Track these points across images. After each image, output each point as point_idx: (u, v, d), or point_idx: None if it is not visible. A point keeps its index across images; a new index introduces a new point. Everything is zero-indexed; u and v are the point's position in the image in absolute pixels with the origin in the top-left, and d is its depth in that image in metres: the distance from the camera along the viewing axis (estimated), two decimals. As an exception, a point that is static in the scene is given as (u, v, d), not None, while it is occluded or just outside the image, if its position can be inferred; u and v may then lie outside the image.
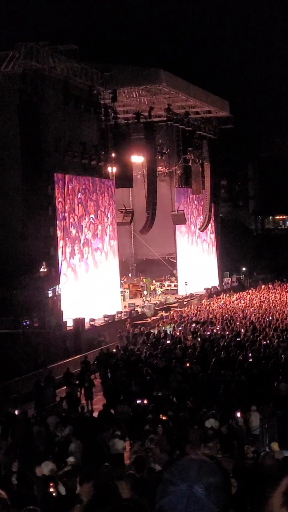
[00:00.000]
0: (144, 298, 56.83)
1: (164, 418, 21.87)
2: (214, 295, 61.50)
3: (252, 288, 66.97)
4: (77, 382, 31.28)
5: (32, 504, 10.31)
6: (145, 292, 59.00)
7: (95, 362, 34.91)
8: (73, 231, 47.58)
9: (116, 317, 47.35)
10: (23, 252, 42.17)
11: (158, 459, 18.88)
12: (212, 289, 64.78)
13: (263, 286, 67.26)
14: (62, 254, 44.85)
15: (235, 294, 61.78)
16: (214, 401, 24.91)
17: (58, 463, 17.90)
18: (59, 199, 45.31)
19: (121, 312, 49.41)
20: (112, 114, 52.27)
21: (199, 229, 68.83)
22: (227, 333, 39.83)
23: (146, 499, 10.82)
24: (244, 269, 79.35)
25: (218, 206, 72.06)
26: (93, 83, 49.11)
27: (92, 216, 50.40)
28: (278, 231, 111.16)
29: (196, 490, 2.33)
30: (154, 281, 63.29)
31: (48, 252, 43.67)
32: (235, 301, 56.50)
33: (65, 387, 30.88)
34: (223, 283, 70.34)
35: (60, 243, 44.82)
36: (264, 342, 35.39)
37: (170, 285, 63.45)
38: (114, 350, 37.20)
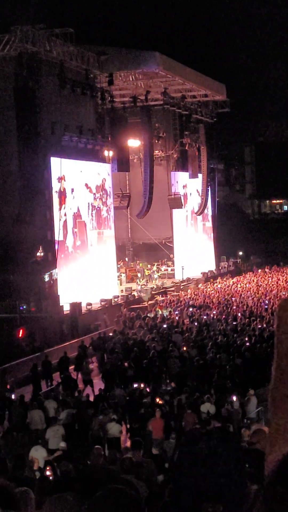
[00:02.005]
0: (138, 281, 56.89)
1: (160, 402, 21.95)
2: (211, 279, 61.55)
3: (249, 272, 67.03)
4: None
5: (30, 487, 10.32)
6: (139, 275, 59.04)
7: (90, 347, 34.97)
8: (70, 215, 47.53)
9: (112, 301, 47.38)
10: (19, 236, 42.10)
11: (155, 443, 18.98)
12: (208, 273, 64.81)
13: (259, 270, 67.30)
14: (63, 236, 44.81)
15: (231, 278, 61.86)
16: (210, 385, 24.98)
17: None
18: (56, 183, 45.23)
19: (118, 296, 49.44)
20: (109, 97, 52.13)
21: (196, 213, 68.77)
22: (223, 317, 39.89)
23: (142, 482, 10.87)
24: (240, 253, 79.36)
25: (214, 190, 71.91)
26: (89, 67, 48.93)
27: (89, 201, 50.33)
28: (274, 215, 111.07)
29: None
30: (150, 265, 63.29)
31: (44, 236, 43.62)
32: (231, 285, 56.54)
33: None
34: (220, 267, 70.35)
35: (57, 227, 44.78)
36: (260, 326, 35.46)
37: (167, 269, 63.45)
38: (111, 334, 37.25)
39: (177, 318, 40.73)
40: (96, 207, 51.55)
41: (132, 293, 51.22)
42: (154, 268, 62.93)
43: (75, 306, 42.13)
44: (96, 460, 12.80)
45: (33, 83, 42.45)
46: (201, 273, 63.59)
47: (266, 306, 42.54)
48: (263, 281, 58.07)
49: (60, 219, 45.35)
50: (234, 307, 43.18)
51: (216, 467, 2.39)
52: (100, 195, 52.33)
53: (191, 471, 2.41)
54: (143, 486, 10.83)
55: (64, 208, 46.42)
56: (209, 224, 72.81)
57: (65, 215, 46.46)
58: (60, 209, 45.51)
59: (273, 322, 36.18)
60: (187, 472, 2.41)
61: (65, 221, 46.51)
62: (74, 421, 22.12)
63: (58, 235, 44.69)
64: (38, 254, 42.86)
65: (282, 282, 56.38)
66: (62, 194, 46.13)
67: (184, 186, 66.48)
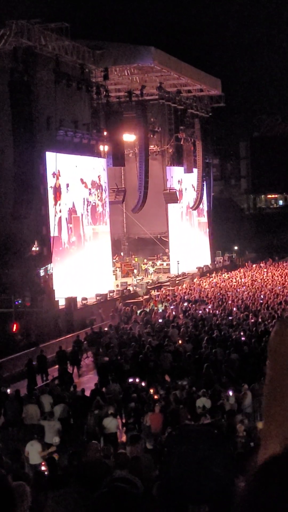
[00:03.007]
0: (133, 276, 56.93)
1: (156, 397, 21.98)
2: (207, 274, 61.59)
3: (245, 267, 67.07)
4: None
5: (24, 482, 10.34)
6: (135, 271, 59.07)
7: (85, 341, 35.01)
8: (65, 210, 47.50)
9: (108, 296, 47.39)
10: (15, 231, 42.11)
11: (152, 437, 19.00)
12: (204, 268, 64.84)
13: (254, 265, 67.33)
14: (58, 231, 44.79)
15: (226, 273, 61.91)
16: (206, 380, 25.00)
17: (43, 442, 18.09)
18: (51, 179, 45.21)
19: (113, 291, 49.45)
20: (104, 92, 52.09)
21: (191, 208, 68.77)
22: (217, 312, 39.91)
23: (138, 478, 10.87)
24: (236, 248, 79.42)
25: (210, 184, 71.90)
26: (84, 61, 48.88)
27: (84, 196, 50.30)
28: (270, 210, 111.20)
29: (202, 451, 2.36)
30: (146, 260, 63.33)
31: (40, 231, 43.60)
32: (227, 280, 56.59)
33: (57, 366, 30.96)
34: (215, 262, 70.39)
35: (52, 222, 44.76)
36: (252, 320, 35.50)
37: (163, 264, 63.46)
38: (106, 329, 37.26)
39: (173, 313, 40.75)
40: (92, 202, 51.52)
41: (128, 288, 51.23)
42: (150, 263, 62.93)
43: (71, 301, 42.13)
44: (93, 455, 12.82)
45: (28, 78, 42.39)
46: (197, 268, 63.63)
47: (261, 301, 42.57)
48: (258, 275, 58.11)
49: (55, 215, 45.30)
50: (230, 302, 43.20)
51: (202, 467, 2.39)
52: (96, 189, 52.29)
53: (177, 470, 2.41)
54: (138, 481, 10.83)
55: (59, 204, 46.38)
56: (205, 219, 72.79)
57: (60, 211, 46.41)
58: (55, 204, 45.47)
59: (268, 317, 36.30)
60: (173, 471, 2.42)
61: (60, 217, 46.46)
62: (69, 416, 22.14)
63: (53, 231, 44.66)
64: (33, 249, 42.86)
65: (277, 276, 56.41)
66: (57, 190, 46.11)
67: (179, 181, 66.45)
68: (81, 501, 3.42)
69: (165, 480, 2.46)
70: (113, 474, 9.83)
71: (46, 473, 13.11)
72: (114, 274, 55.85)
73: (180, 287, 52.90)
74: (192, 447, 2.42)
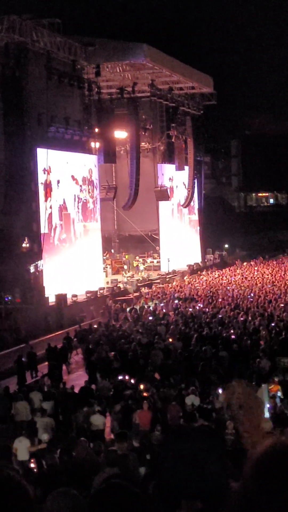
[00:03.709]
0: (124, 273, 56.93)
1: (145, 394, 21.96)
2: (197, 272, 61.61)
3: (235, 265, 67.13)
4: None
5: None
6: (125, 267, 59.05)
7: (75, 339, 34.98)
8: (56, 207, 47.42)
9: (98, 293, 47.35)
10: (5, 227, 42.00)
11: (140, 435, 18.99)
12: (194, 265, 64.89)
13: (244, 264, 67.40)
14: (48, 228, 44.72)
15: (217, 271, 61.95)
16: (195, 377, 25.02)
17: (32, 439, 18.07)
18: (42, 175, 45.12)
19: (104, 288, 49.41)
20: (96, 89, 52.02)
21: (182, 205, 68.78)
22: (207, 309, 39.91)
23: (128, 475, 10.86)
24: (226, 246, 79.47)
25: (201, 182, 71.92)
26: (76, 58, 48.77)
27: (75, 192, 50.23)
28: (260, 208, 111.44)
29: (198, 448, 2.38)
30: (138, 257, 63.29)
31: (30, 228, 43.51)
32: (217, 278, 56.61)
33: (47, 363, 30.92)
34: (206, 260, 70.44)
35: (42, 218, 44.67)
36: (242, 318, 35.52)
37: (153, 262, 63.44)
38: (95, 326, 37.23)
39: (163, 310, 40.75)
40: (83, 199, 51.45)
41: (118, 285, 51.21)
42: (140, 261, 62.91)
43: (61, 298, 42.08)
44: (82, 452, 12.79)
45: (20, 74, 42.26)
46: (187, 266, 63.65)
47: (251, 299, 42.61)
48: (249, 274, 58.16)
49: (45, 211, 45.21)
50: (220, 300, 43.21)
51: (197, 465, 2.40)
52: (87, 186, 52.21)
53: (173, 467, 2.42)
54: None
55: (50, 200, 46.28)
56: (195, 217, 72.82)
57: (50, 207, 46.31)
58: (45, 201, 45.37)
59: (258, 315, 36.33)
60: (169, 468, 2.42)
61: (50, 214, 46.35)
62: (58, 413, 22.12)
63: (43, 228, 44.58)
64: (23, 245, 42.76)
65: (267, 275, 56.47)
66: (48, 187, 46.00)
67: (171, 179, 66.45)
68: (80, 499, 3.39)
69: (160, 475, 2.47)
70: (103, 472, 9.82)
71: (35, 470, 13.08)
72: (104, 271, 55.81)
73: (170, 285, 52.92)
74: (187, 445, 2.42)
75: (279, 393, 21.70)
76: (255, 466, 1.96)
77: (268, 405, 20.83)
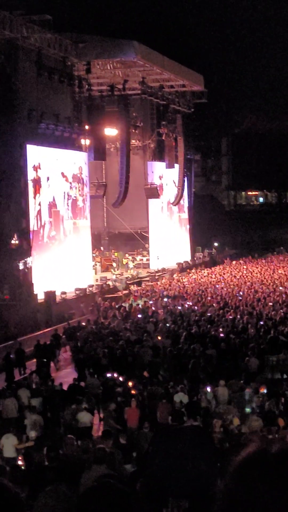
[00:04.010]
0: (112, 271, 56.91)
1: (133, 392, 21.97)
2: (187, 270, 61.66)
3: (224, 263, 67.23)
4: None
5: (2, 475, 10.30)
6: (114, 264, 59.03)
7: (63, 336, 34.97)
8: (45, 204, 47.33)
9: (87, 290, 47.32)
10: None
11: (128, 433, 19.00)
12: (184, 263, 64.92)
13: (234, 262, 67.50)
14: (37, 226, 44.64)
15: (206, 269, 62.01)
16: (184, 375, 25.05)
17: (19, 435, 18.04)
18: (33, 171, 45.02)
19: (93, 285, 49.38)
20: (86, 86, 51.93)
21: (172, 203, 68.79)
22: (196, 308, 39.96)
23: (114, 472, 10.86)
24: (216, 244, 79.55)
25: (191, 180, 71.94)
26: (67, 54, 48.66)
27: (65, 190, 50.15)
28: (250, 206, 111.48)
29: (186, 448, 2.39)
30: (127, 255, 63.28)
31: (20, 224, 43.41)
32: (206, 276, 56.68)
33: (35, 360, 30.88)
34: (195, 258, 70.49)
35: (32, 215, 44.59)
36: (231, 317, 35.58)
37: (142, 259, 63.45)
38: (83, 323, 37.22)
39: (152, 308, 40.77)
40: (72, 196, 51.37)
41: (107, 283, 51.19)
42: (130, 258, 62.89)
43: (50, 295, 42.03)
44: (69, 449, 12.78)
45: (10, 70, 42.16)
46: (176, 264, 63.70)
47: (240, 298, 42.68)
48: (238, 272, 58.25)
49: (34, 208, 45.08)
50: (209, 298, 43.28)
51: (185, 464, 2.40)
52: (77, 183, 52.12)
53: (161, 466, 2.42)
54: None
55: (39, 197, 46.14)
56: (185, 215, 72.84)
57: (39, 204, 46.16)
58: (34, 198, 45.22)
59: (246, 313, 36.39)
60: (158, 467, 2.42)
61: (39, 211, 46.18)
62: (46, 410, 22.09)
63: (32, 225, 44.49)
64: (12, 242, 42.66)
65: (256, 273, 56.59)
66: (37, 183, 45.87)
67: (161, 177, 66.43)
68: (70, 496, 3.39)
69: (148, 474, 2.47)
70: (90, 469, 9.80)
71: (22, 467, 13.04)
72: (94, 269, 55.76)
73: (159, 283, 52.95)
74: (177, 445, 2.42)
75: (265, 391, 21.80)
76: (238, 468, 1.96)
77: (254, 404, 20.91)
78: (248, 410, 20.46)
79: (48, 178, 47.56)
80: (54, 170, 48.54)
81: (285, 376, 26.33)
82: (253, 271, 58.49)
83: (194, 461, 2.20)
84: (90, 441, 15.13)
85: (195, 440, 2.20)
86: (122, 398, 21.38)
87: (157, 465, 2.19)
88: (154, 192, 62.53)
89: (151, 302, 43.29)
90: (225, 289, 47.24)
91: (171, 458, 2.19)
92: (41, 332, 37.45)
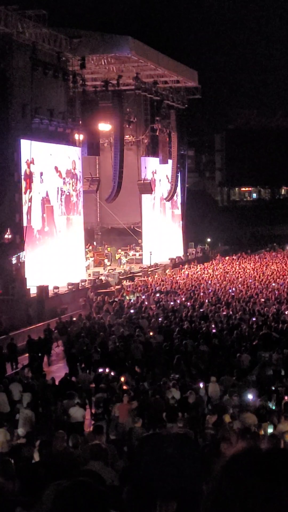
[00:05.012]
0: (104, 266, 56.91)
1: (125, 387, 22.00)
2: (179, 265, 61.72)
3: (217, 259, 67.32)
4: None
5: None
6: (106, 261, 59.03)
7: (56, 330, 35.00)
8: (38, 199, 47.28)
9: (80, 285, 47.33)
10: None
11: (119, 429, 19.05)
12: (176, 259, 64.97)
13: (226, 258, 67.59)
14: (27, 221, 44.61)
15: (199, 265, 62.08)
16: (176, 371, 25.09)
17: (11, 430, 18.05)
18: (25, 166, 44.97)
19: (85, 280, 49.38)
20: (80, 81, 51.90)
21: (165, 199, 68.81)
22: (188, 303, 39.98)
23: (110, 468, 10.94)
24: (209, 240, 79.63)
25: (184, 176, 71.96)
26: (61, 49, 48.63)
27: (58, 185, 50.11)
28: (243, 202, 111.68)
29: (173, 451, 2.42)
30: (120, 250, 63.27)
31: (13, 219, 43.36)
32: (199, 272, 56.74)
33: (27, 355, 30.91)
34: (188, 254, 70.53)
35: (25, 210, 44.54)
36: (224, 313, 35.64)
37: (135, 255, 63.46)
38: (75, 319, 37.24)
39: (144, 303, 40.80)
40: (66, 192, 51.33)
41: (100, 278, 51.21)
42: (122, 253, 62.89)
43: (42, 290, 42.03)
44: (59, 445, 12.83)
45: (5, 65, 42.09)
46: (169, 259, 63.73)
47: (233, 294, 42.75)
48: (230, 268, 58.33)
49: (25, 204, 44.91)
50: (201, 294, 43.32)
51: (173, 465, 2.44)
52: (70, 178, 52.08)
53: (149, 468, 2.45)
54: (111, 472, 10.89)
55: (30, 192, 46.01)
56: (178, 210, 72.85)
57: (30, 200, 45.97)
58: (25, 193, 45.05)
59: (239, 309, 36.47)
60: (145, 469, 2.46)
61: (30, 207, 45.96)
62: (38, 405, 22.12)
63: (25, 220, 44.44)
64: (5, 236, 42.62)
65: (249, 269, 56.69)
66: (28, 178, 45.72)
67: (154, 172, 66.42)
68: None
69: (136, 476, 2.49)
70: (89, 465, 9.87)
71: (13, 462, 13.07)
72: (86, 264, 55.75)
73: (152, 278, 52.97)
74: (164, 448, 2.46)
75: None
76: (227, 465, 1.99)
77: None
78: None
79: (41, 173, 47.52)
80: (48, 165, 48.50)
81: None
82: (246, 267, 58.58)
83: (179, 464, 2.25)
84: (80, 436, 15.16)
85: (181, 445, 2.24)
86: (106, 394, 21.35)
87: (143, 467, 2.23)
88: (147, 187, 62.53)
89: (143, 297, 43.31)
90: (217, 285, 47.29)
91: (157, 461, 2.22)
92: (34, 326, 37.46)
